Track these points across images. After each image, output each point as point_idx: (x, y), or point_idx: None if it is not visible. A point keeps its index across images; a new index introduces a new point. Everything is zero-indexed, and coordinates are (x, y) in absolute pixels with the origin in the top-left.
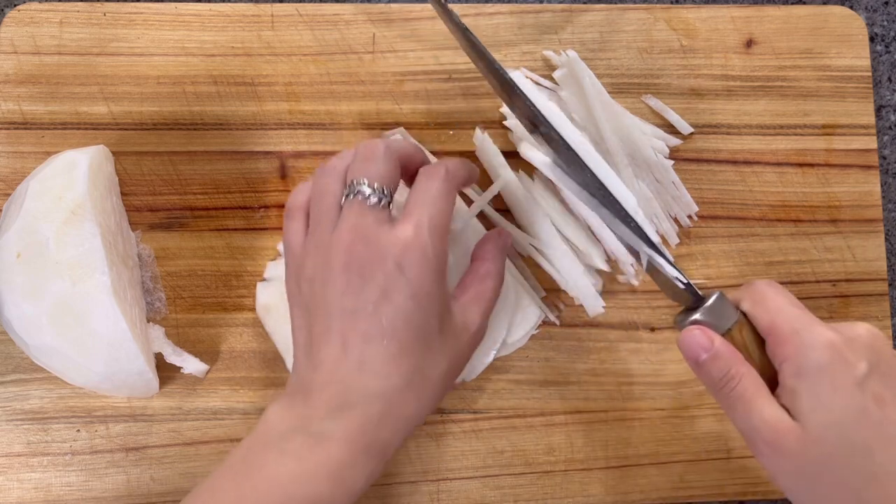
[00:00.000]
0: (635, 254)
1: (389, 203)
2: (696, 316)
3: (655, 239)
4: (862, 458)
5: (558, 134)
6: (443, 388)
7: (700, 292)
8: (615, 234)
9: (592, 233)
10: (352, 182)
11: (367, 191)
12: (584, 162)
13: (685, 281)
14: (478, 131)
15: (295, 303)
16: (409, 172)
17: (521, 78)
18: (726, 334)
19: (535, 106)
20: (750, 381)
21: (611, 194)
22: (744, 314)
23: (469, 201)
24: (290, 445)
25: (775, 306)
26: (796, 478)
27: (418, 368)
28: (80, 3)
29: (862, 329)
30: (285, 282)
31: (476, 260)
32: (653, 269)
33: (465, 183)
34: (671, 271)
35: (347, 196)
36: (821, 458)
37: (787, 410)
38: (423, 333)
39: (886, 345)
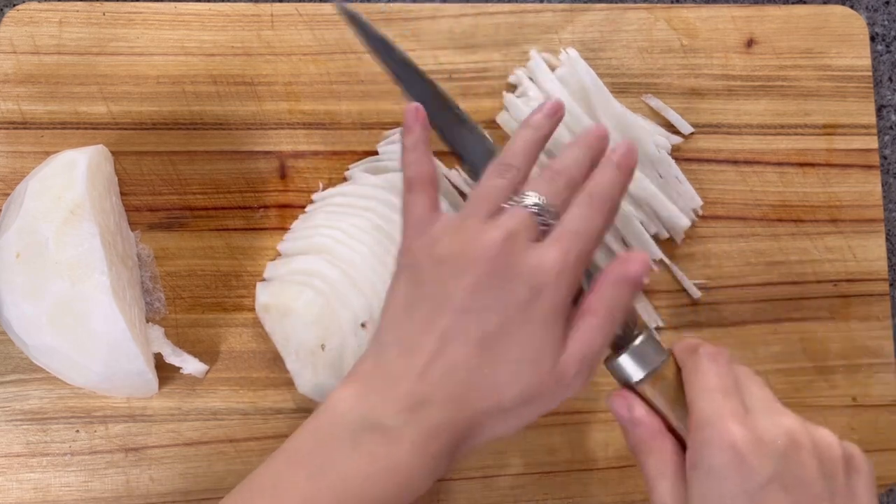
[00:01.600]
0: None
1: (549, 227)
2: (620, 358)
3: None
4: None
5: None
6: (518, 420)
7: (633, 332)
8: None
9: None
10: (527, 192)
11: (538, 208)
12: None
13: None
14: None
15: (408, 270)
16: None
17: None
18: (650, 376)
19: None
20: (656, 460)
21: None
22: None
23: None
24: (363, 442)
25: (701, 386)
26: None
27: (494, 389)
28: (79, 3)
29: (782, 431)
30: (400, 249)
31: (588, 300)
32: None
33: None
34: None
35: (521, 199)
36: None
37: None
38: (514, 359)
39: (805, 452)
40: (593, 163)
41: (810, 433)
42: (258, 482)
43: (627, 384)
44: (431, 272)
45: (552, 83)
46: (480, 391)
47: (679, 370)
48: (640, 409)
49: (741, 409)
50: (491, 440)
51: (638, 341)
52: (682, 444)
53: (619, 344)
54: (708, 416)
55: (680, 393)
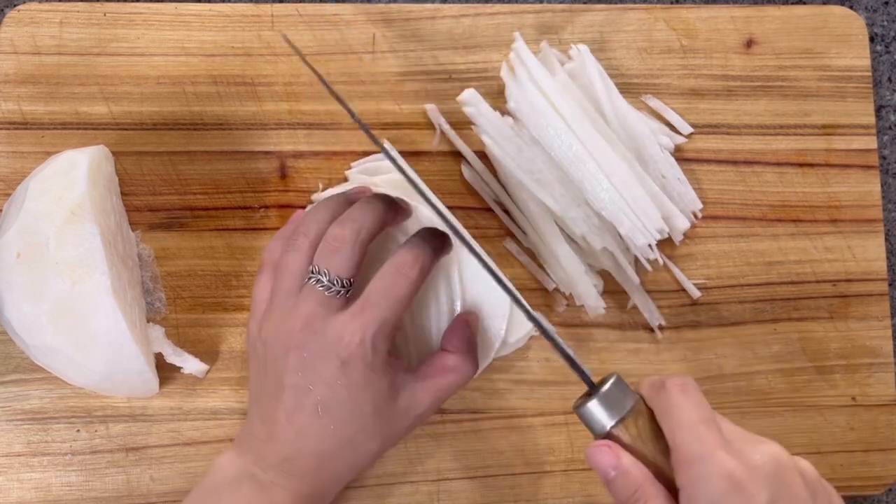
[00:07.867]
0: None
1: (348, 292)
2: (590, 403)
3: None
4: None
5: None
6: (374, 456)
7: (593, 379)
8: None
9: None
10: (314, 268)
11: (327, 282)
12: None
13: (582, 368)
14: None
15: (253, 352)
16: (389, 225)
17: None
18: (622, 422)
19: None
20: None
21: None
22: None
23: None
24: (243, 490)
25: (678, 420)
26: None
27: (349, 440)
28: (80, 3)
29: (768, 455)
30: (248, 324)
31: (445, 350)
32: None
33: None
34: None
35: (309, 279)
36: None
37: None
38: (356, 415)
39: (792, 473)
40: (381, 216)
41: (791, 456)
42: None
43: (601, 433)
44: (265, 353)
45: (537, 69)
46: (326, 442)
47: (650, 411)
48: (626, 458)
49: (724, 438)
50: (356, 474)
51: (606, 386)
52: (669, 489)
53: (588, 391)
54: (695, 450)
55: (656, 434)
